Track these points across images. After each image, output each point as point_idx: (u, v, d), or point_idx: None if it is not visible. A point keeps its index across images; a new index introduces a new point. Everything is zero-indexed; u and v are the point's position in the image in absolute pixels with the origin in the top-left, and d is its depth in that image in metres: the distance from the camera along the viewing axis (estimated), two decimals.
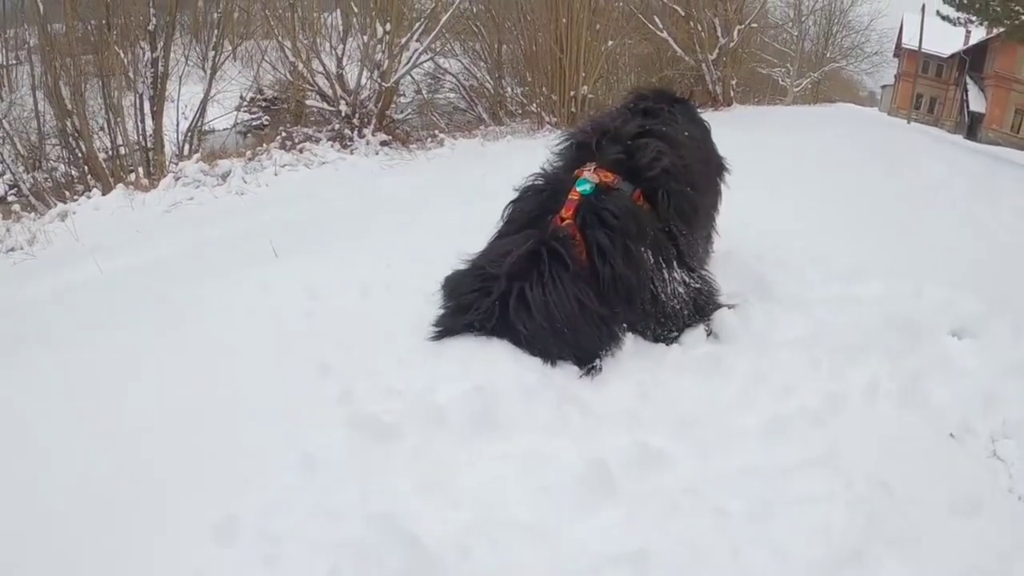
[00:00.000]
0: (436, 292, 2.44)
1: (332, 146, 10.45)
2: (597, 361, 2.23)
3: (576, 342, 2.19)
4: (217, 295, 2.85)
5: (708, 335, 2.52)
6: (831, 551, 1.51)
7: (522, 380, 2.01)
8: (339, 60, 11.42)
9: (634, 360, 2.29)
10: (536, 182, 2.57)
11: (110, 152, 11.97)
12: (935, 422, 2.04)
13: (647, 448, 1.80)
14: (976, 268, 3.50)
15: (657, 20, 15.48)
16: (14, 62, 15.92)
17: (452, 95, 16.00)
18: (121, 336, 2.53)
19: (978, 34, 29.98)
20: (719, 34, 16.16)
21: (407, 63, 11.68)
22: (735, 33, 16.49)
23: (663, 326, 2.48)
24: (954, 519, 1.64)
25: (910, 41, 33.35)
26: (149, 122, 12.21)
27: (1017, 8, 15.87)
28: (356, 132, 10.88)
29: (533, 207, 2.46)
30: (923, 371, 2.26)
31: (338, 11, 12.62)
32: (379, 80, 11.19)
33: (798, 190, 5.13)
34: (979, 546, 1.57)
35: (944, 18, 19.33)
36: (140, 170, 10.67)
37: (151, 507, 1.56)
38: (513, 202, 2.55)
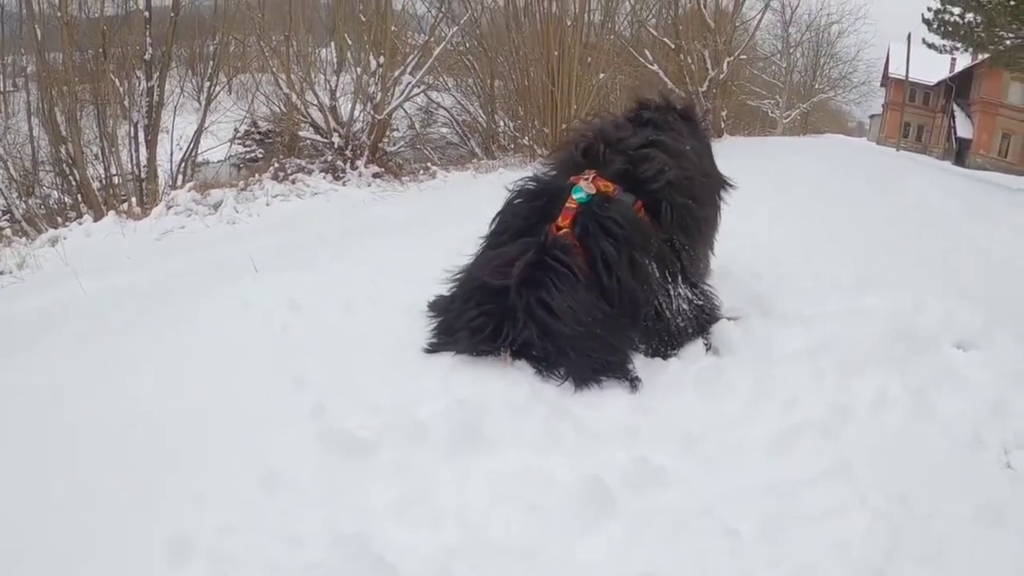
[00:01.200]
0: (427, 314, 2.34)
1: (324, 177, 10.43)
2: (632, 368, 2.13)
3: (611, 347, 2.10)
4: (195, 310, 2.74)
5: (708, 349, 2.42)
6: (853, 569, 1.40)
7: (510, 395, 1.90)
8: (333, 93, 11.48)
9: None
10: (529, 186, 2.44)
11: (104, 181, 11.94)
12: (946, 433, 1.97)
13: (648, 464, 1.68)
14: (975, 282, 3.49)
15: (648, 53, 15.69)
16: (11, 88, 16.00)
17: (445, 129, 16.13)
18: (91, 348, 2.44)
19: (963, 61, 30.59)
20: (709, 66, 16.39)
21: (400, 96, 11.76)
22: (724, 65, 16.73)
23: (666, 344, 2.37)
24: (977, 530, 1.55)
25: (897, 70, 33.91)
26: (143, 151, 12.22)
27: (1001, 33, 16.17)
28: (349, 164, 10.89)
29: (528, 213, 2.34)
30: (929, 383, 2.20)
31: (332, 44, 12.73)
32: (372, 112, 11.24)
33: (792, 213, 5.16)
34: (1005, 558, 1.48)
35: (930, 46, 19.66)
36: (133, 199, 10.64)
37: (101, 523, 1.45)
38: (505, 207, 2.43)
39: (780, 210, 5.13)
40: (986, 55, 20.45)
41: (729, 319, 2.53)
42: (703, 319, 2.46)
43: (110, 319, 2.98)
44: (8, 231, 9.76)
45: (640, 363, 2.23)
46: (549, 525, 1.49)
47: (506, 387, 1.94)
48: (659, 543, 1.47)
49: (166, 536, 1.36)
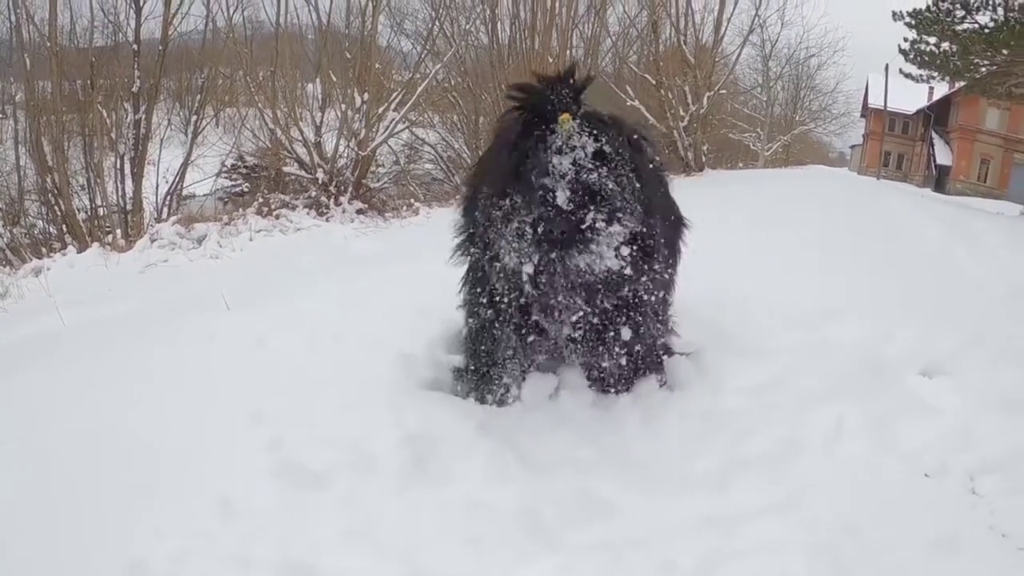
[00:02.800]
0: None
1: (308, 213, 10.53)
2: None
3: None
4: (162, 344, 2.77)
5: (661, 385, 2.45)
6: None
7: (459, 429, 1.97)
8: (318, 128, 11.61)
9: (582, 410, 2.23)
10: None
11: (89, 212, 11.94)
12: (907, 463, 1.96)
13: (590, 497, 1.74)
14: (950, 307, 3.45)
15: (629, 89, 15.93)
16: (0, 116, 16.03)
17: (430, 165, 16.29)
18: (56, 373, 2.50)
19: (941, 89, 31.05)
20: (689, 101, 16.63)
21: (384, 132, 11.88)
22: (705, 100, 16.94)
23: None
24: (933, 561, 1.56)
25: (876, 101, 34.39)
26: (129, 183, 12.24)
27: (977, 61, 16.47)
28: (332, 200, 10.97)
29: None
30: (893, 412, 2.19)
31: (318, 80, 12.89)
32: (356, 149, 11.35)
33: (767, 241, 5.07)
34: None
35: (907, 76, 19.78)
36: (118, 231, 10.66)
37: (62, 546, 1.52)
38: None
39: (753, 239, 5.09)
40: (963, 83, 20.72)
41: (683, 355, 2.56)
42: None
43: (82, 352, 2.99)
44: None
45: (591, 397, 2.28)
46: (490, 557, 1.54)
47: (456, 421, 2.00)
48: None
49: (124, 561, 1.42)
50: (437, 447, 1.88)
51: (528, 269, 1.92)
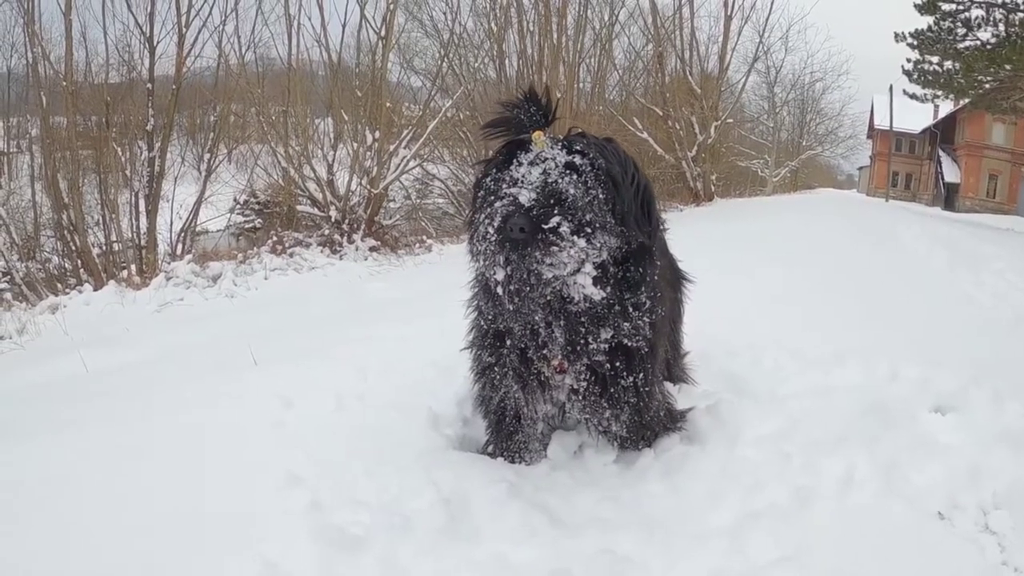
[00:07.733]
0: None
1: (322, 251, 10.67)
2: None
3: None
4: (194, 402, 2.86)
5: (681, 438, 2.48)
6: None
7: (489, 491, 2.04)
8: (330, 166, 11.78)
9: (605, 467, 2.30)
10: None
11: (104, 248, 12.13)
12: (918, 505, 2.00)
13: (613, 555, 1.80)
14: (957, 339, 3.49)
15: (637, 121, 16.12)
16: (15, 150, 16.30)
17: (441, 200, 16.48)
18: (94, 435, 2.55)
19: (946, 107, 30.96)
20: (697, 131, 16.79)
21: (395, 170, 12.03)
22: (712, 129, 17.11)
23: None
24: None
25: (881, 122, 34.41)
26: (143, 220, 12.44)
27: (980, 78, 16.56)
28: (345, 237, 11.10)
29: None
30: (902, 454, 2.23)
31: (330, 118, 13.09)
32: (368, 186, 11.49)
33: (776, 276, 5.13)
34: None
35: (912, 96, 19.92)
36: (132, 267, 10.82)
37: None
38: None
39: (763, 273, 5.09)
40: (967, 100, 20.68)
41: (696, 409, 2.60)
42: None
43: (110, 407, 3.08)
44: (8, 295, 9.92)
45: (613, 454, 2.35)
46: None
47: (486, 484, 2.08)
48: None
49: None
50: (469, 508, 1.96)
51: (498, 276, 1.85)
